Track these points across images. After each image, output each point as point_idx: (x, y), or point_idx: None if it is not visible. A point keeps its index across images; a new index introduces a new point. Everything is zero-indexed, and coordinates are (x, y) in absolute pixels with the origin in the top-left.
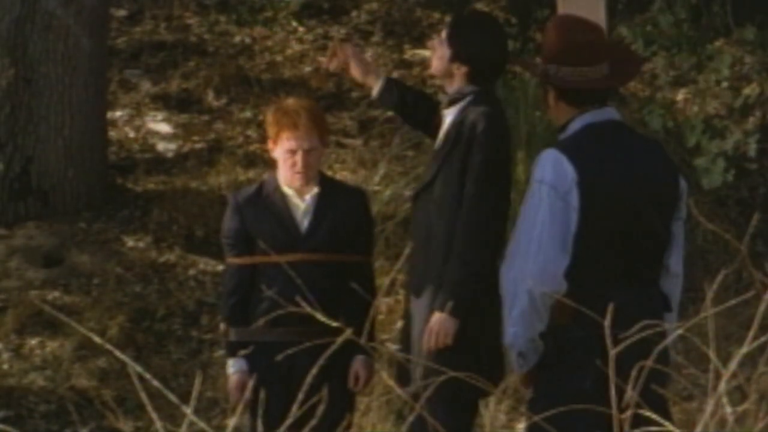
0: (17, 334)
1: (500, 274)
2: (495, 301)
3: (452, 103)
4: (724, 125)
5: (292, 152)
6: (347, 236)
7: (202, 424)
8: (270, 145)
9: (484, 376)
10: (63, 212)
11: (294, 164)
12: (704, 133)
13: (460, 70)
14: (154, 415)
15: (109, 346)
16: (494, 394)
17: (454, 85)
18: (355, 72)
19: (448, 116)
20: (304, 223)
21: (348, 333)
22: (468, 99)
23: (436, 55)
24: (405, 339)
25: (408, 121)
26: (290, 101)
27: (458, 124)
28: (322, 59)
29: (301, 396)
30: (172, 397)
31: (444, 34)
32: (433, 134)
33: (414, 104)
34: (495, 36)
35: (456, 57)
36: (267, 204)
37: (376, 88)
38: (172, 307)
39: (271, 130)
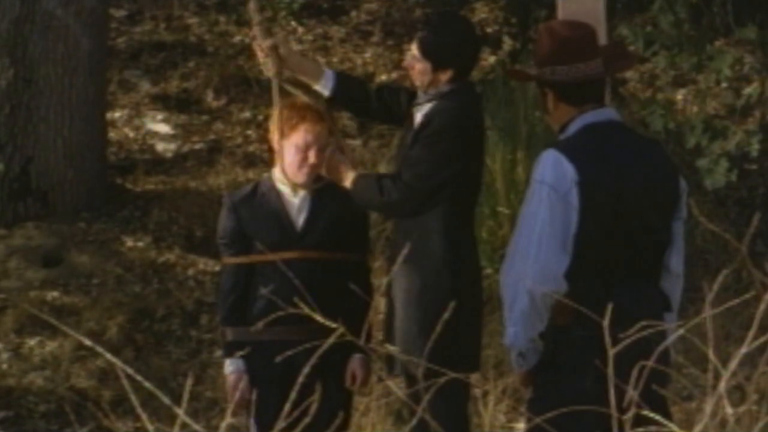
0: (17, 334)
1: (500, 274)
2: (471, 293)
3: (429, 100)
4: (725, 125)
5: (308, 146)
6: (343, 235)
7: (196, 426)
8: (276, 136)
9: (467, 367)
10: (62, 212)
11: (306, 158)
12: (704, 133)
13: (445, 75)
14: (144, 416)
15: (100, 349)
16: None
17: (437, 88)
18: (294, 68)
19: (420, 111)
20: (300, 220)
21: (340, 331)
22: (444, 95)
23: (416, 71)
24: (387, 324)
25: (362, 114)
26: (304, 99)
27: (425, 117)
28: (322, 59)
29: (296, 395)
30: (165, 399)
31: (415, 49)
32: (393, 122)
33: (367, 98)
34: (467, 32)
35: (439, 65)
36: (262, 203)
37: (324, 84)
38: (172, 307)
39: (287, 123)
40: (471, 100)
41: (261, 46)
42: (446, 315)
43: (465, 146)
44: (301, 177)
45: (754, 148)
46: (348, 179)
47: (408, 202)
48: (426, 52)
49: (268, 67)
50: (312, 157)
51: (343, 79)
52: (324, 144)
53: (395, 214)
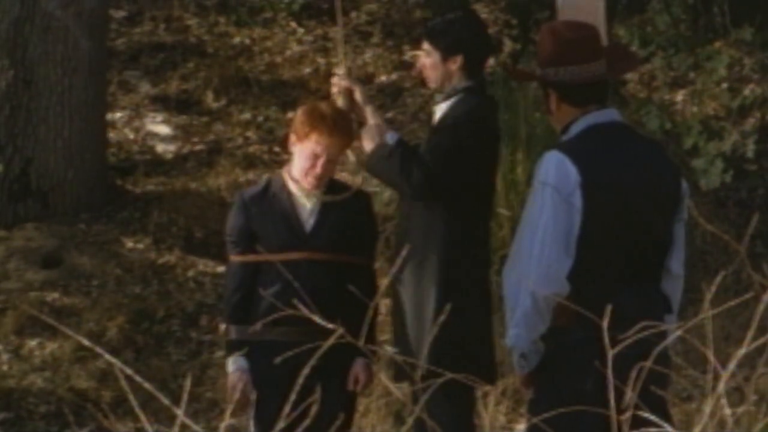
0: (17, 336)
1: (503, 276)
2: (483, 302)
3: (446, 98)
4: (721, 126)
5: (316, 156)
6: (351, 238)
7: (196, 427)
8: (292, 139)
9: (475, 373)
10: (62, 213)
11: (313, 167)
12: (701, 134)
13: (456, 64)
14: (143, 417)
15: (99, 350)
16: (484, 388)
17: (452, 83)
18: (362, 118)
19: (438, 112)
20: (309, 222)
21: (339, 332)
22: (461, 94)
23: (428, 66)
24: (396, 329)
25: None
26: (325, 106)
27: (443, 115)
28: (322, 60)
29: (298, 396)
30: (164, 400)
31: (425, 42)
32: None
33: None
34: (471, 17)
35: (448, 53)
36: (273, 202)
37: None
38: (172, 308)
39: (300, 128)
40: (486, 102)
41: (338, 82)
42: (443, 318)
43: (480, 146)
44: (306, 184)
45: (750, 148)
46: (372, 142)
47: (426, 184)
48: (433, 40)
49: (339, 102)
50: (319, 167)
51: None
52: (334, 155)
53: (412, 193)
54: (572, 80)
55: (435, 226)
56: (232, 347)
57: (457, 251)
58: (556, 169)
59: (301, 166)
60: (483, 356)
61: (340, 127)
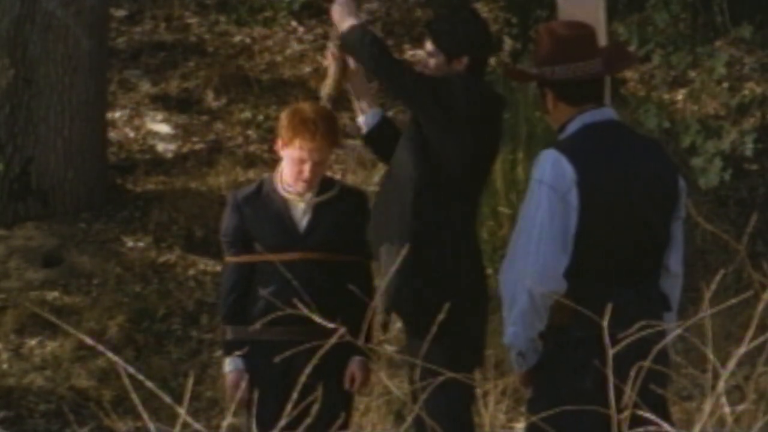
0: (17, 334)
1: (500, 274)
2: (474, 290)
3: None
4: (720, 125)
5: (302, 161)
6: (346, 236)
7: (196, 425)
8: (279, 143)
9: (462, 364)
10: (63, 212)
11: (301, 172)
12: (699, 133)
13: (461, 64)
14: (145, 416)
15: (101, 348)
16: (478, 385)
17: None
18: (354, 84)
19: None
20: (303, 222)
21: (340, 332)
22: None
23: (432, 67)
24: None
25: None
26: (307, 108)
27: None
28: (322, 59)
29: (296, 395)
30: (166, 398)
31: (428, 43)
32: None
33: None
34: (476, 18)
35: (453, 54)
36: (266, 203)
37: (368, 120)
38: (172, 307)
39: (284, 133)
40: (476, 89)
41: (332, 52)
42: (442, 316)
43: (456, 121)
44: (297, 188)
45: (749, 147)
46: (344, 21)
47: (390, 68)
48: (439, 42)
49: (329, 74)
50: (306, 171)
51: (386, 125)
52: (320, 158)
53: (371, 66)
54: (568, 78)
55: (407, 209)
56: (228, 347)
57: (428, 235)
58: (552, 168)
59: (289, 171)
60: (479, 346)
61: (323, 129)
